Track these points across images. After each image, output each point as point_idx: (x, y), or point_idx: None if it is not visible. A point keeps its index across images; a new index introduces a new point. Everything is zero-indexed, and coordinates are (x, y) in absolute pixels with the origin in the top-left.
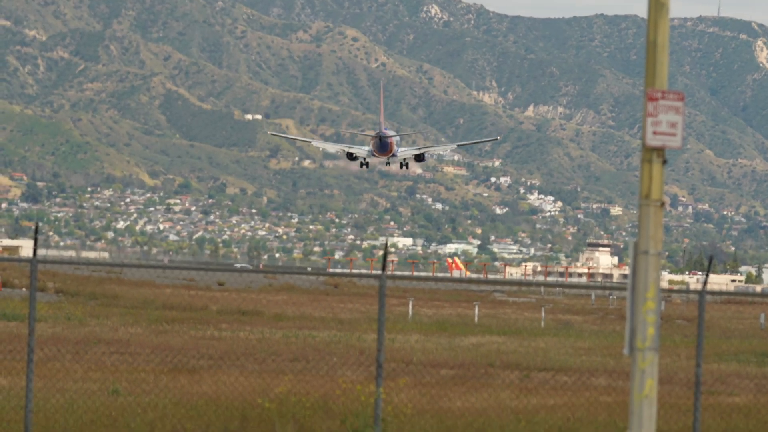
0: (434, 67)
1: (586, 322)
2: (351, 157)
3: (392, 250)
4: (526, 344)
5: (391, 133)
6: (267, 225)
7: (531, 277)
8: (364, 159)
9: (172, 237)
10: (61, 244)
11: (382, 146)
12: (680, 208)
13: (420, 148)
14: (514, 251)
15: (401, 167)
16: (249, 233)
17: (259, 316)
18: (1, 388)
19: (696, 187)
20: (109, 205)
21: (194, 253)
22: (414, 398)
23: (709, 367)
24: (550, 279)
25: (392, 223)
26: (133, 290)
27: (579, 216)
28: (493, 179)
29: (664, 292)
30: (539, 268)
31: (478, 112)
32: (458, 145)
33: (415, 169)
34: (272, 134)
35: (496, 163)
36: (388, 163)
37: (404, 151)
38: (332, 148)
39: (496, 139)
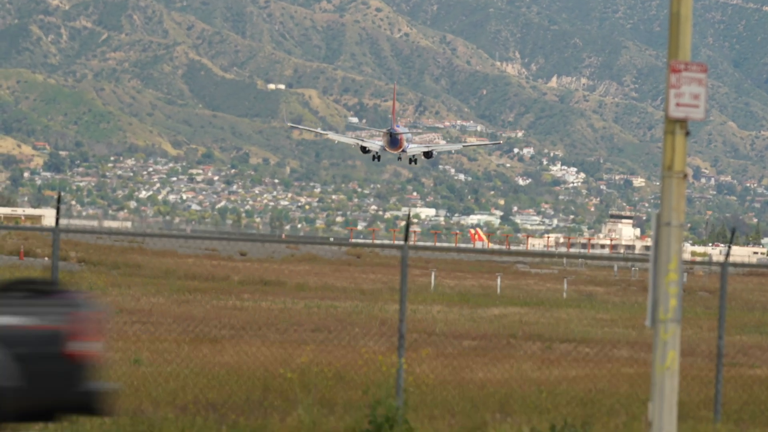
0: (457, 37)
1: (609, 294)
2: (364, 150)
3: (415, 220)
4: (549, 315)
5: (402, 130)
6: (289, 195)
7: (553, 249)
8: (377, 153)
9: (195, 207)
10: (84, 213)
11: (393, 142)
12: (703, 180)
13: (428, 146)
14: (537, 222)
15: (410, 162)
16: (271, 203)
17: (281, 287)
18: None
19: (719, 158)
20: (131, 174)
21: (216, 223)
22: (436, 369)
23: (731, 339)
24: (572, 250)
25: (415, 193)
26: (155, 260)
27: (602, 187)
28: (516, 150)
29: (687, 263)
30: (562, 240)
31: (501, 83)
32: (464, 146)
33: (438, 140)
34: (291, 126)
35: (519, 134)
36: (399, 158)
37: (414, 148)
38: (348, 141)
39: (499, 143)
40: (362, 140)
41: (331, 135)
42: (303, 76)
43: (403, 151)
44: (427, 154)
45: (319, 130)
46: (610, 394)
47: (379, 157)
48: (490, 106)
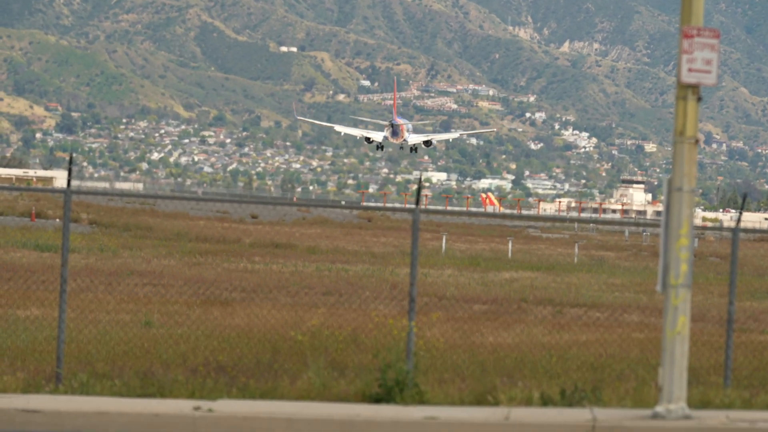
0: (470, 1)
1: (620, 259)
2: (368, 140)
3: (426, 184)
4: (559, 280)
5: (402, 121)
6: (301, 158)
7: (565, 213)
8: (380, 143)
9: (207, 169)
10: (96, 175)
11: (394, 132)
12: (714, 146)
13: (427, 135)
14: (548, 187)
15: (411, 151)
16: (283, 166)
17: (292, 249)
18: (34, 319)
19: (730, 124)
20: (143, 136)
21: (228, 185)
22: (446, 333)
23: (742, 304)
24: (583, 215)
25: (426, 157)
26: (167, 222)
27: (613, 152)
28: (527, 114)
29: (698, 229)
30: (573, 204)
31: (513, 47)
32: (461, 134)
33: (450, 104)
34: (299, 119)
35: (531, 99)
36: (401, 147)
37: (414, 138)
38: (354, 132)
39: (494, 131)
40: (367, 131)
41: (337, 127)
42: (315, 39)
43: (405, 140)
44: (427, 143)
45: (325, 123)
46: (621, 359)
47: (382, 147)
48: (502, 71)
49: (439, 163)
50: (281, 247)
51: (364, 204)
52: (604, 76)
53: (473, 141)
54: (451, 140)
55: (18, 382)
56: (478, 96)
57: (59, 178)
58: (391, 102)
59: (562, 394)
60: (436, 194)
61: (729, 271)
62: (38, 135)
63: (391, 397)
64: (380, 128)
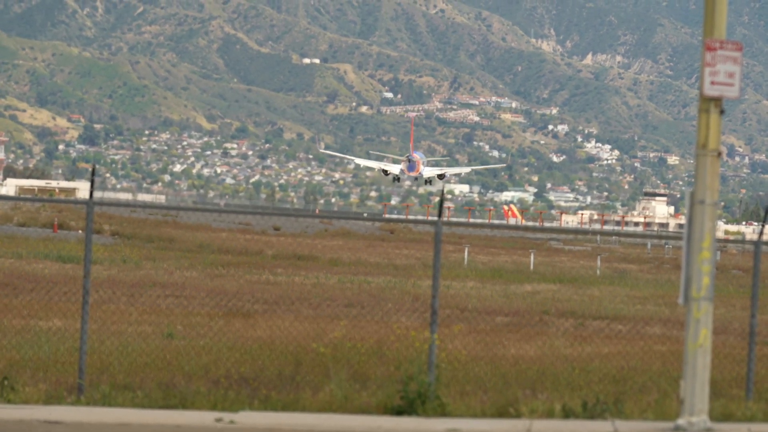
0: (493, 14)
1: (642, 271)
2: (385, 173)
3: (448, 196)
4: (581, 292)
5: (418, 156)
6: (323, 170)
7: (587, 226)
8: (397, 176)
9: (229, 181)
10: (118, 186)
11: (411, 166)
12: (737, 159)
13: (441, 169)
14: (571, 199)
15: (426, 183)
16: (306, 178)
17: (314, 261)
18: (56, 330)
19: (753, 137)
20: (166, 148)
21: (250, 197)
22: (468, 345)
23: (764, 317)
24: (606, 227)
25: None
26: (189, 234)
27: (636, 165)
28: (550, 127)
29: (720, 242)
30: (595, 217)
31: (536, 59)
32: (472, 169)
33: (473, 117)
34: (322, 151)
35: (554, 111)
36: (416, 179)
37: (429, 171)
38: (372, 165)
39: (504, 165)
40: (386, 164)
41: (357, 160)
42: (338, 51)
43: (420, 174)
44: (441, 176)
45: (346, 156)
46: (643, 372)
47: (399, 179)
48: (524, 83)
49: (461, 176)
50: (303, 259)
51: (387, 216)
52: (627, 88)
53: (495, 153)
54: (462, 174)
55: (40, 394)
56: (501, 108)
57: (82, 189)
58: (415, 114)
59: (583, 406)
60: (458, 206)
61: (751, 284)
62: (61, 146)
63: (413, 409)
64: (398, 162)
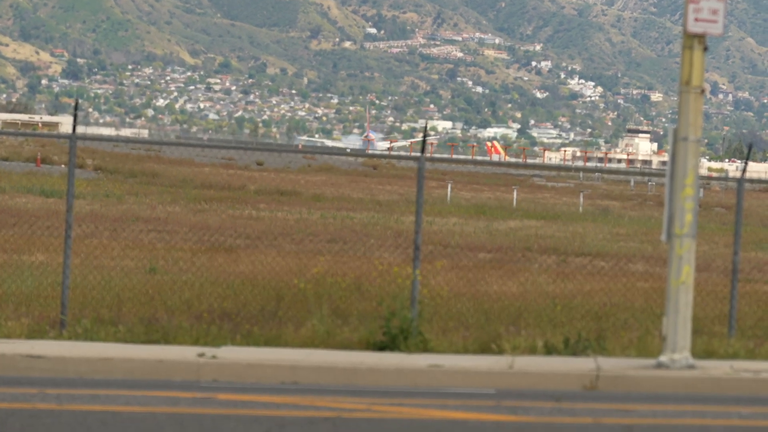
0: None
1: (625, 208)
2: None
3: (432, 132)
4: (564, 229)
5: (373, 135)
6: (307, 106)
7: (570, 162)
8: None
9: (212, 116)
10: (101, 121)
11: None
12: (720, 96)
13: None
14: (554, 136)
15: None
16: (288, 114)
17: (297, 197)
18: (39, 265)
19: (736, 74)
20: (149, 82)
21: (233, 132)
22: (451, 281)
23: (747, 255)
24: (589, 164)
25: (432, 105)
26: (172, 168)
27: (619, 101)
28: (533, 63)
29: (703, 179)
30: (578, 153)
31: None
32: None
33: (456, 53)
34: (302, 151)
35: (537, 48)
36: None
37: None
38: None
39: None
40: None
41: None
42: None
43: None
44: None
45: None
46: (625, 309)
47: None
48: (508, 19)
49: (444, 112)
50: (286, 194)
51: (370, 152)
52: (611, 25)
53: (479, 89)
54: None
55: (22, 328)
56: (484, 45)
57: (65, 123)
58: (398, 50)
59: (566, 343)
60: (441, 143)
61: (734, 221)
62: (44, 81)
63: (396, 345)
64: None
